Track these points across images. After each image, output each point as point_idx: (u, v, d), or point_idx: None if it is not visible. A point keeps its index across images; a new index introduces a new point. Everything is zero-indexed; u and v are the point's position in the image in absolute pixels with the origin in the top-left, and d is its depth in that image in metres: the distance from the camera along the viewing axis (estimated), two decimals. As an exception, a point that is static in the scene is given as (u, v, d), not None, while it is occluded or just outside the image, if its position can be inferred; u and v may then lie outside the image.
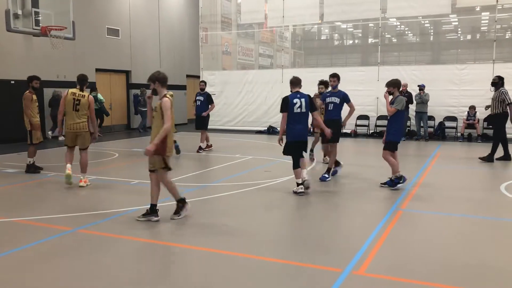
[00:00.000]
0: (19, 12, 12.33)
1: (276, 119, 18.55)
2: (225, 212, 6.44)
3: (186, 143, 13.22)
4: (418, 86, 15.13)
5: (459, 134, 15.30)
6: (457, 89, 15.72)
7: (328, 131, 7.90)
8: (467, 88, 15.56)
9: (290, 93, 7.49)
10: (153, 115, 5.75)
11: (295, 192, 7.34)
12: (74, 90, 7.94)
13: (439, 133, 15.63)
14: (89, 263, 4.47)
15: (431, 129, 15.75)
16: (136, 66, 20.08)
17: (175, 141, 10.13)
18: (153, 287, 3.96)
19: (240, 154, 11.71)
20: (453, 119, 15.75)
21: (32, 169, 9.19)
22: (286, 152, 7.56)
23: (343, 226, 5.85)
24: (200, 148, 12.31)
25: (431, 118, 15.74)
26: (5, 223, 5.81)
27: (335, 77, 8.84)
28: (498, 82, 10.67)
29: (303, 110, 7.32)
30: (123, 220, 5.94)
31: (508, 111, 10.38)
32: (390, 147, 7.84)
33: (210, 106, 12.40)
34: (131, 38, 19.71)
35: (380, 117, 16.25)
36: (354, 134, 16.58)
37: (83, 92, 7.97)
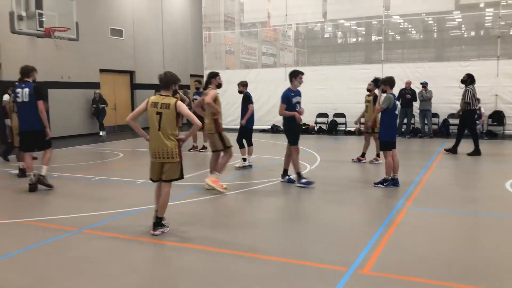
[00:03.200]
0: (23, 13, 12.36)
1: (280, 117, 18.54)
2: (228, 212, 6.45)
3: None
4: (421, 83, 15.08)
5: (464, 131, 15.21)
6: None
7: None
8: (472, 85, 15.47)
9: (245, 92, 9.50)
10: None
11: (237, 167, 9.22)
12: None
13: (444, 130, 15.57)
14: (93, 263, 4.49)
15: (436, 126, 15.69)
16: (140, 66, 20.12)
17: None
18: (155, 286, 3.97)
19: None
20: (458, 116, 15.67)
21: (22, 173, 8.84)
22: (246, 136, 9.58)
23: (347, 224, 5.84)
24: (203, 147, 12.33)
25: (435, 115, 15.69)
26: (10, 224, 5.84)
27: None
28: (466, 80, 11.13)
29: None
30: (128, 220, 5.96)
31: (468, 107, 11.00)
32: (384, 147, 7.81)
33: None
34: (135, 38, 19.75)
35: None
36: (358, 132, 16.55)
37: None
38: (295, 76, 7.85)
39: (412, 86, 15.27)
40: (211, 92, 7.60)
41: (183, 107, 5.29)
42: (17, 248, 4.91)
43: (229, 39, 22.28)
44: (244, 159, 9.75)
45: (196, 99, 12.33)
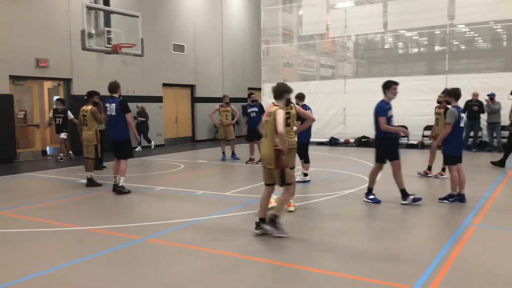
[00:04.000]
0: (93, 31, 13.11)
1: (339, 130, 18.32)
2: (291, 225, 6.41)
3: (243, 154, 13.29)
4: (488, 95, 14.35)
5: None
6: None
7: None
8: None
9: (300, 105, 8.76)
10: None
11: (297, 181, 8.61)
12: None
13: (515, 144, 14.67)
14: (157, 272, 4.60)
15: (505, 140, 14.81)
16: (200, 80, 20.65)
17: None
18: (218, 298, 4.00)
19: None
20: (530, 128, 14.73)
21: (94, 183, 9.39)
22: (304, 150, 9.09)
23: (411, 241, 5.62)
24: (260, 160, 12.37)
25: (505, 128, 14.83)
26: (78, 231, 6.14)
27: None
28: None
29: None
30: (189, 230, 6.08)
31: None
32: (448, 161, 7.48)
33: (262, 116, 12.42)
34: (196, 53, 20.32)
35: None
36: (421, 145, 15.98)
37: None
38: (388, 87, 7.36)
39: (479, 98, 14.57)
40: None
41: (277, 116, 5.43)
42: (83, 255, 5.14)
43: (287, 52, 22.37)
44: (306, 174, 9.57)
45: (253, 111, 12.42)
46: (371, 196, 7.53)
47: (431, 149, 9.95)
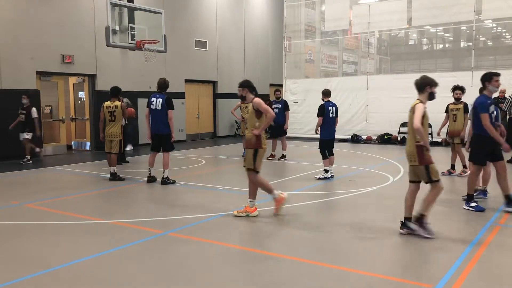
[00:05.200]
0: (117, 28, 13.26)
1: (361, 127, 18.16)
2: (311, 222, 6.40)
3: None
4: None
5: None
6: None
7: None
8: None
9: (324, 101, 9.48)
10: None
11: (317, 178, 9.25)
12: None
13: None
14: (177, 265, 4.66)
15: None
16: (222, 76, 20.73)
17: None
18: (239, 292, 4.03)
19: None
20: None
21: (118, 177, 9.55)
22: (321, 147, 9.48)
23: (434, 240, 5.54)
24: (282, 155, 12.38)
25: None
26: (102, 225, 6.26)
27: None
28: None
29: (334, 115, 9.51)
30: (211, 225, 6.13)
31: None
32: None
33: (286, 113, 12.45)
34: (218, 49, 20.40)
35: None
36: (445, 143, 15.71)
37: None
38: (489, 79, 6.62)
39: (507, 95, 14.22)
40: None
41: (416, 110, 5.38)
42: (108, 247, 5.23)
43: (309, 48, 22.26)
44: (326, 171, 9.55)
45: (276, 107, 12.43)
46: (473, 204, 6.73)
47: (452, 147, 9.79)
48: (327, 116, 9.43)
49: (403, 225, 5.60)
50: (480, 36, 20.13)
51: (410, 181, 5.63)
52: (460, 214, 6.70)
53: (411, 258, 4.87)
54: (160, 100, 9.04)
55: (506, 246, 5.26)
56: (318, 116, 9.46)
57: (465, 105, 9.64)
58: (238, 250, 5.18)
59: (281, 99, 12.79)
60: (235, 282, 4.28)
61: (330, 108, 9.48)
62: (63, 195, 8.22)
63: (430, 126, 15.81)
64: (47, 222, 6.40)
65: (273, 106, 12.53)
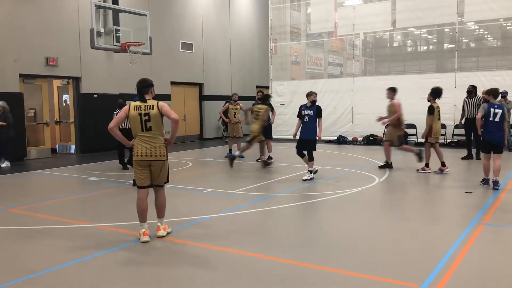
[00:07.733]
0: (102, 30, 13.17)
1: (346, 128, 18.28)
2: (294, 222, 6.42)
3: (249, 153, 13.30)
4: (500, 92, 14.19)
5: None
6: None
7: None
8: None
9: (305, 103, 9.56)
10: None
11: (305, 180, 9.27)
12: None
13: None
14: (162, 269, 4.64)
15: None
16: (209, 78, 20.69)
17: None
18: (226, 295, 4.02)
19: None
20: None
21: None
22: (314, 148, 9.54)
23: (419, 239, 5.59)
24: (269, 157, 12.38)
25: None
26: (88, 228, 6.19)
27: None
28: (472, 91, 12.65)
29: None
30: (196, 228, 6.11)
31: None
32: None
33: (272, 113, 12.41)
34: (204, 51, 20.37)
35: (457, 126, 15.45)
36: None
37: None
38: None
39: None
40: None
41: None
42: (94, 251, 5.18)
43: (295, 50, 22.35)
44: (311, 172, 9.60)
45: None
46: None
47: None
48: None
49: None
50: (463, 38, 20.39)
51: None
52: (444, 215, 6.78)
53: (397, 258, 4.91)
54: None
55: (490, 245, 5.33)
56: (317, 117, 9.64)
57: (430, 106, 10.24)
58: (226, 253, 5.17)
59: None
60: (222, 285, 4.27)
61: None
62: (47, 199, 8.12)
63: (414, 126, 16.03)
64: (31, 226, 6.32)
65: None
